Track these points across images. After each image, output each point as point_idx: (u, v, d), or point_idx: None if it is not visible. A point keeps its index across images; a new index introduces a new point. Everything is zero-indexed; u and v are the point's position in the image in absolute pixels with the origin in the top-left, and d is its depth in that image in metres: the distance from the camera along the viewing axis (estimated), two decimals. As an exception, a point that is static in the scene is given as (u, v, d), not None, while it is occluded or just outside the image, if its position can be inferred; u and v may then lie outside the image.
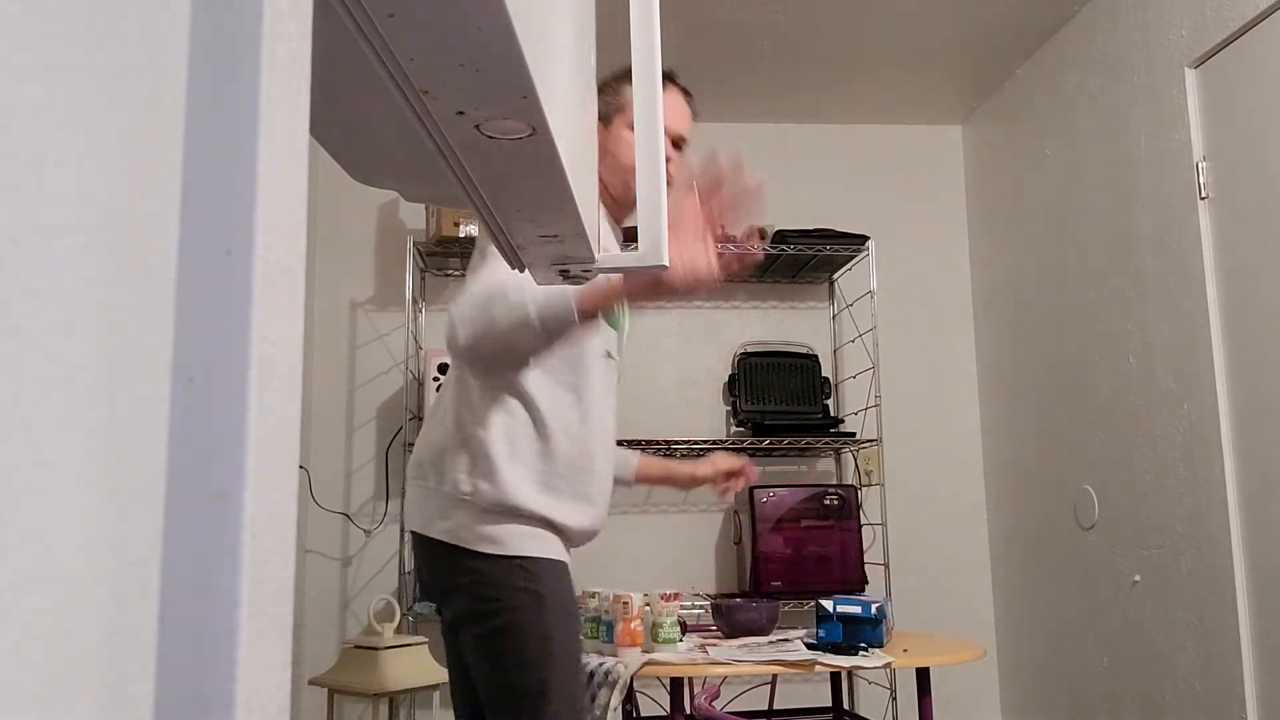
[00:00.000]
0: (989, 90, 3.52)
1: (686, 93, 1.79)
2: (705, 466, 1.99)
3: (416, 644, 2.68)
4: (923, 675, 2.30)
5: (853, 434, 3.33)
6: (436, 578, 1.58)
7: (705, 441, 3.23)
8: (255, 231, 0.31)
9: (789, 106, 3.59)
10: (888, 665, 2.09)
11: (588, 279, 0.82)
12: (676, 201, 1.18)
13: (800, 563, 3.11)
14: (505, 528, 1.52)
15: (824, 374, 3.44)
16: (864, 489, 3.42)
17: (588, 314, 1.37)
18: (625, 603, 2.08)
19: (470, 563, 1.51)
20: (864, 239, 3.33)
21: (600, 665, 2.04)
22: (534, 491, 1.54)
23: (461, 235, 3.12)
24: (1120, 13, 2.78)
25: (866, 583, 3.15)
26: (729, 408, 3.50)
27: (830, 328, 3.61)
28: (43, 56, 0.25)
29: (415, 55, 0.45)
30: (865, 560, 3.18)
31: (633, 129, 1.50)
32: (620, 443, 1.85)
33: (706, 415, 3.51)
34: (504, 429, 1.55)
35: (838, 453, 3.56)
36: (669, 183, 1.60)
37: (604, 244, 1.47)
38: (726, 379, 3.49)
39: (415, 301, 3.28)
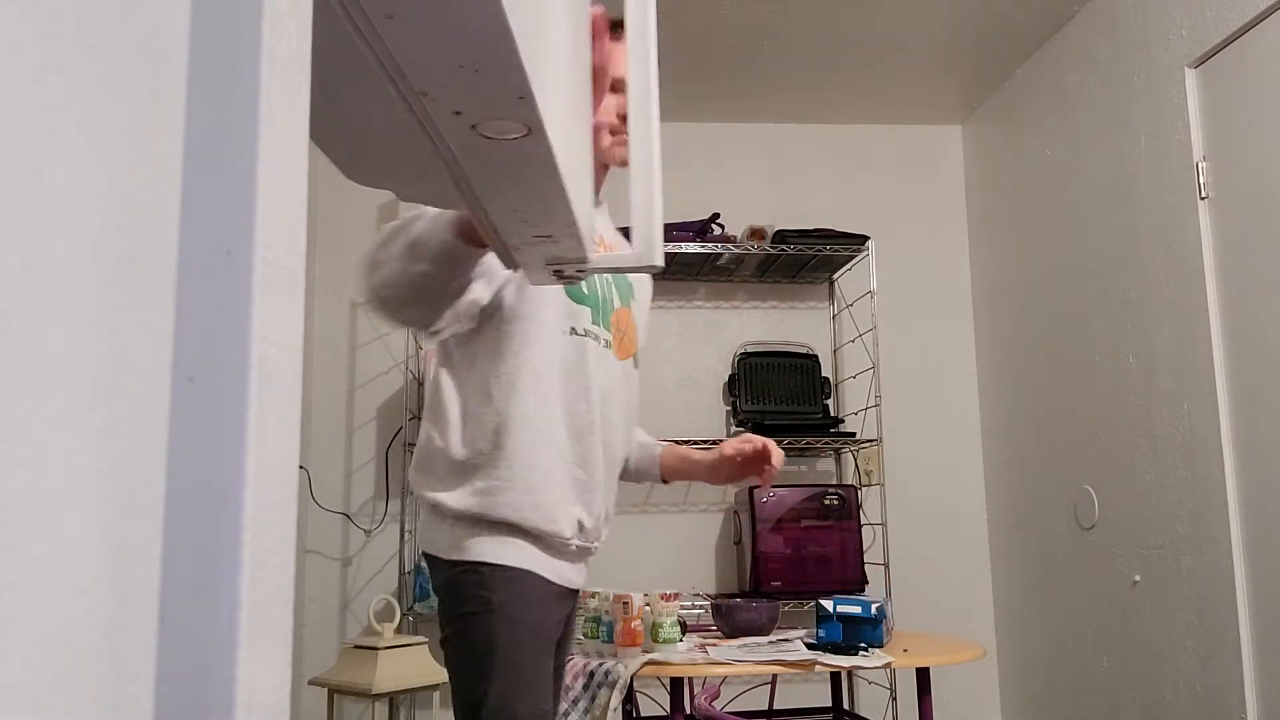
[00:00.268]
0: (989, 90, 3.52)
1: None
2: (736, 444, 1.67)
3: (416, 644, 2.68)
4: (923, 675, 2.30)
5: (853, 434, 3.33)
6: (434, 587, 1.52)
7: (705, 442, 3.23)
8: (255, 231, 0.31)
9: (789, 106, 3.59)
10: (888, 665, 2.09)
11: (583, 278, 0.82)
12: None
13: (800, 563, 3.11)
14: (467, 532, 1.42)
15: (824, 374, 3.44)
16: (864, 489, 3.42)
17: (460, 238, 1.14)
18: (625, 603, 2.08)
19: (437, 570, 1.45)
20: (864, 239, 3.34)
21: (600, 665, 2.04)
22: (479, 494, 1.41)
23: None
24: (1120, 13, 2.78)
25: (866, 583, 3.15)
26: (729, 408, 3.50)
27: (830, 328, 3.61)
28: (43, 56, 0.25)
29: (414, 57, 0.45)
30: (865, 560, 3.18)
31: (611, 91, 1.47)
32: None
33: (706, 415, 3.51)
34: (457, 426, 1.44)
35: (838, 453, 3.56)
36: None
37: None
38: (726, 379, 3.49)
39: (415, 301, 3.28)
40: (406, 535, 3.23)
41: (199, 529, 0.29)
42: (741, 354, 3.45)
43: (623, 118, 1.50)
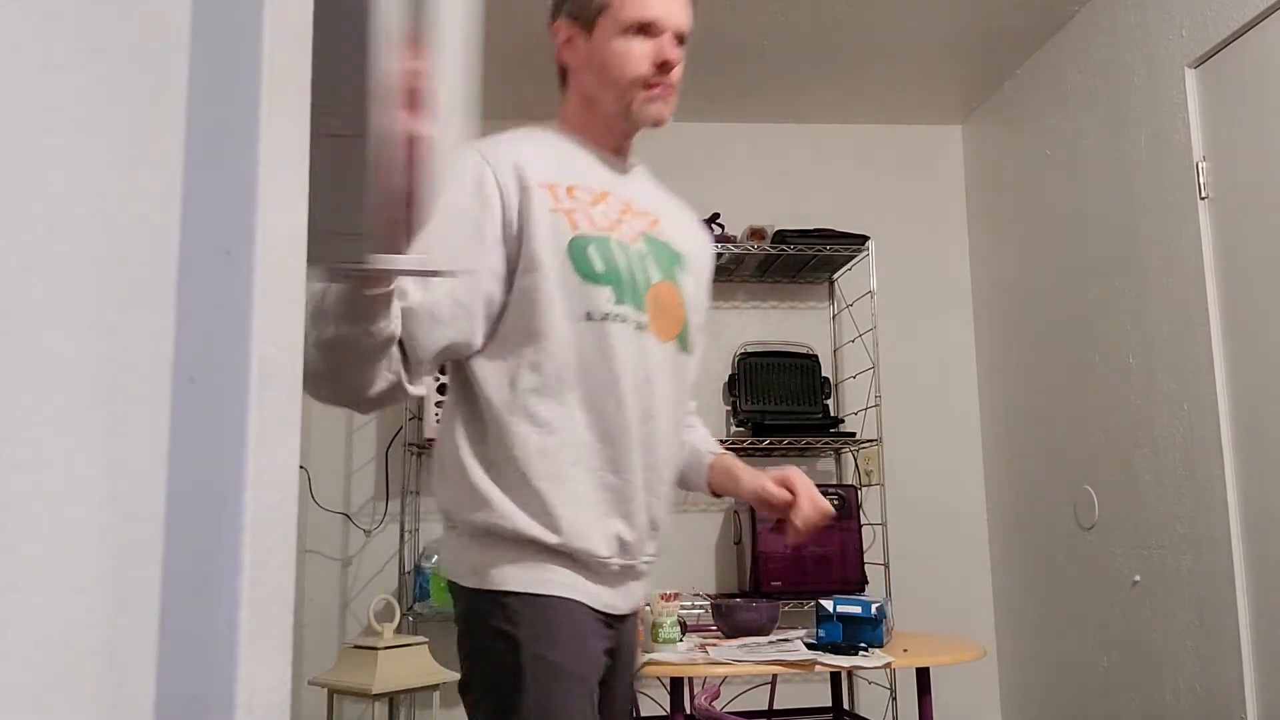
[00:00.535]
0: (989, 90, 3.52)
1: None
2: (775, 489, 1.43)
3: (416, 644, 2.68)
4: (922, 675, 2.30)
5: (853, 434, 3.33)
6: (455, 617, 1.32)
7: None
8: (255, 231, 0.31)
9: (788, 106, 3.59)
10: (888, 665, 2.09)
11: (368, 276, 0.80)
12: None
13: (800, 563, 3.11)
14: (488, 554, 1.23)
15: (824, 374, 3.44)
16: (864, 489, 3.42)
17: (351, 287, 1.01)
18: (625, 603, 2.08)
19: (458, 598, 1.27)
20: (864, 239, 3.33)
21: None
22: (499, 511, 1.22)
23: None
24: (1120, 13, 2.78)
25: (866, 583, 3.15)
26: (729, 408, 3.50)
27: (830, 328, 3.61)
28: (43, 57, 0.25)
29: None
30: (865, 560, 3.18)
31: (626, 32, 1.34)
32: None
33: (706, 415, 3.47)
34: (473, 433, 1.26)
35: (838, 453, 3.56)
36: (673, 89, 1.34)
37: (588, 181, 1.37)
38: (726, 379, 3.49)
39: (415, 301, 3.27)
40: (406, 535, 3.23)
41: (199, 529, 0.29)
42: (741, 354, 3.45)
43: (661, 66, 1.33)
